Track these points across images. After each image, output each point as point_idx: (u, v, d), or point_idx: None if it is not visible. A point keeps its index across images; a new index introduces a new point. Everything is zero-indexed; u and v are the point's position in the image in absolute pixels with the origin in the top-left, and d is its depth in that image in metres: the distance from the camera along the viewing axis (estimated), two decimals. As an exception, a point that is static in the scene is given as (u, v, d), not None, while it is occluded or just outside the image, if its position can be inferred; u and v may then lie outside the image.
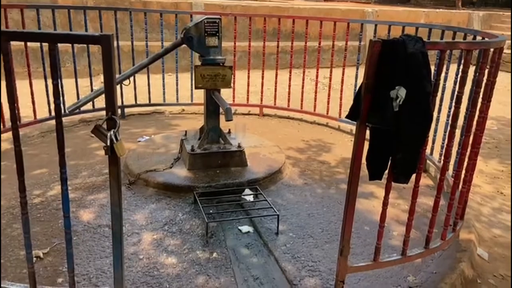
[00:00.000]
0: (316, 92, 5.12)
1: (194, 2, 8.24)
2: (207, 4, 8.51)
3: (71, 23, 4.62)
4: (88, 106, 4.19)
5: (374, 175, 2.10)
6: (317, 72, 5.06)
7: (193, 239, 2.71)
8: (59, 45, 1.77)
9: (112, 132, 1.73)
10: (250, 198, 3.12)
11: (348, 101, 4.80)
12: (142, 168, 3.35)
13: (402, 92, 1.87)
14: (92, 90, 4.86)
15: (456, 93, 2.26)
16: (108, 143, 1.72)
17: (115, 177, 1.84)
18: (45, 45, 3.93)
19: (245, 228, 2.84)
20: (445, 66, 3.27)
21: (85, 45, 5.06)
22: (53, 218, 2.90)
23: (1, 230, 2.75)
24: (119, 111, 5.18)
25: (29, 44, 4.30)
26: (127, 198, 3.13)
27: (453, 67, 3.61)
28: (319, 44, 4.97)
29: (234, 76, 5.10)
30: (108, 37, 1.62)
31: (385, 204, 2.19)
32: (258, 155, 3.67)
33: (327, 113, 5.07)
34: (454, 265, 2.60)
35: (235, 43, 5.16)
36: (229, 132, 3.71)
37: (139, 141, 4.20)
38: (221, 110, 3.21)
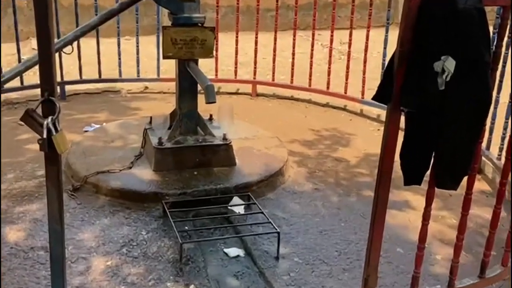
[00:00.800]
0: (330, 63, 5.10)
1: None
2: None
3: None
4: (15, 82, 4.15)
5: (411, 179, 2.10)
6: (332, 36, 5.04)
7: (161, 266, 2.69)
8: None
9: (49, 120, 1.70)
10: (240, 209, 3.11)
11: (374, 76, 4.85)
12: (90, 169, 3.32)
13: (450, 64, 1.86)
14: (19, 60, 4.83)
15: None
16: (45, 135, 1.69)
17: (55, 182, 1.81)
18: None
19: (233, 251, 2.83)
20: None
21: None
22: None
23: None
24: (58, 89, 5.12)
25: None
26: (70, 210, 3.11)
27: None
28: None
29: (217, 41, 5.06)
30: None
31: (426, 218, 2.18)
32: (251, 150, 3.66)
33: (345, 92, 5.06)
34: (519, 300, 2.62)
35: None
36: (211, 118, 3.68)
37: (86, 131, 4.17)
38: (199, 88, 3.18)
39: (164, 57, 3.25)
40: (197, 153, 3.36)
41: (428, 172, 2.10)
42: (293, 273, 2.71)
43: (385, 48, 4.76)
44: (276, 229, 2.81)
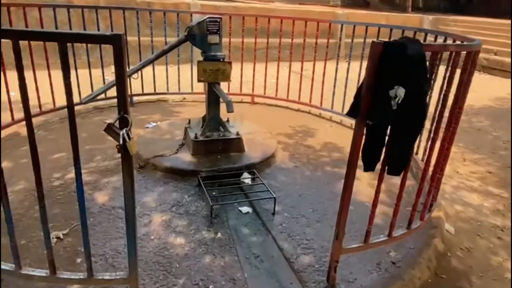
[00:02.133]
0: (300, 83, 4.83)
1: (192, 3, 7.76)
2: (203, 5, 8.03)
3: (85, 21, 4.21)
4: (101, 95, 3.84)
5: (369, 167, 1.87)
6: (302, 65, 4.77)
7: (198, 220, 2.46)
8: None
9: (124, 131, 1.44)
10: (249, 181, 2.87)
11: (328, 91, 4.64)
12: (150, 153, 3.06)
13: (401, 91, 1.62)
14: (104, 80, 4.49)
15: (443, 91, 2.02)
16: (121, 142, 1.43)
17: (129, 174, 1.56)
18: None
19: (245, 209, 2.60)
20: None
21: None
22: (72, 200, 2.60)
23: (24, 212, 2.46)
24: (128, 99, 4.81)
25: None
26: (137, 181, 2.85)
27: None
28: (304, 41, 4.65)
29: (241, 68, 4.81)
30: (119, 37, 1.32)
31: (377, 192, 1.96)
32: (253, 141, 3.40)
33: (310, 102, 4.81)
34: (428, 241, 2.43)
35: (230, 40, 4.80)
36: (228, 120, 3.42)
37: (147, 127, 3.89)
38: (221, 101, 2.91)
39: (199, 81, 2.98)
40: (220, 144, 3.10)
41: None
42: (284, 224, 2.49)
43: (336, 73, 4.48)
44: (273, 195, 2.58)
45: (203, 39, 2.85)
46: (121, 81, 1.39)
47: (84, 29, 4.27)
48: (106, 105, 4.60)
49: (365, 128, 1.77)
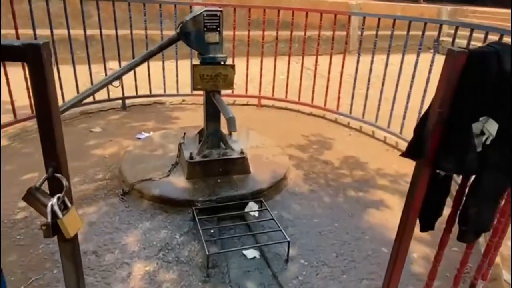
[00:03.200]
0: (314, 84, 4.24)
1: (194, -7, 7.12)
2: (206, -4, 7.38)
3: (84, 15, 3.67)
4: (89, 98, 3.27)
5: (427, 226, 1.30)
6: (316, 63, 4.17)
7: (191, 272, 1.91)
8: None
9: (55, 200, 0.87)
10: (255, 213, 2.32)
11: (346, 93, 4.04)
12: (137, 176, 2.51)
13: (491, 126, 1.04)
14: (106, 74, 3.95)
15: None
16: (49, 219, 0.87)
17: (70, 258, 1.00)
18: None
19: (251, 253, 2.05)
20: None
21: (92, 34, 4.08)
22: (34, 241, 2.07)
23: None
24: (120, 101, 4.28)
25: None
26: (119, 213, 2.31)
27: None
28: (319, 35, 4.05)
29: (248, 62, 4.21)
30: (37, 49, 0.75)
31: (437, 260, 1.39)
32: (261, 158, 2.84)
33: (325, 105, 4.21)
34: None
35: (234, 33, 4.21)
36: (230, 133, 2.85)
37: (138, 138, 3.34)
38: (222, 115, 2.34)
39: (195, 89, 2.41)
40: (220, 165, 2.54)
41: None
42: (301, 276, 1.93)
43: (356, 74, 3.87)
44: (287, 238, 2.01)
45: (199, 38, 2.27)
46: (46, 115, 0.83)
47: (84, 22, 3.68)
48: (95, 109, 4.06)
49: (430, 176, 1.20)
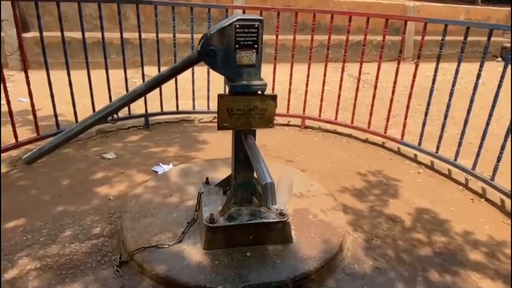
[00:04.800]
0: (372, 105, 3.43)
1: (234, -6, 6.46)
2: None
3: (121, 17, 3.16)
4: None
5: None
6: (376, 80, 3.35)
7: None
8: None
9: None
10: (298, 315, 1.58)
11: (415, 119, 3.20)
12: (140, 237, 1.87)
13: None
14: (143, 79, 3.44)
15: None
16: None
17: None
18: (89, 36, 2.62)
19: None
20: None
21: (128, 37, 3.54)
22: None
23: None
24: (142, 119, 3.70)
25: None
26: (109, 297, 1.66)
27: None
28: (384, 39, 3.24)
29: (274, 72, 3.53)
30: None
31: None
32: (307, 216, 2.10)
33: (385, 132, 3.39)
34: None
35: (277, 38, 3.50)
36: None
37: (155, 171, 2.73)
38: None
39: (220, 128, 1.71)
40: (251, 231, 1.83)
41: None
42: None
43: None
44: None
45: (228, 58, 1.58)
46: None
47: (120, 24, 3.17)
48: (115, 127, 3.50)
49: None
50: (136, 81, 4.46)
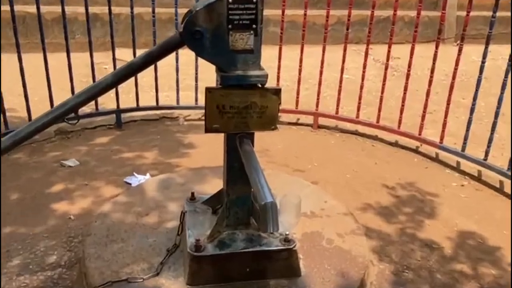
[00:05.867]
0: (404, 99, 3.42)
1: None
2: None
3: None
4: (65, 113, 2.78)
5: None
6: (409, 67, 3.34)
7: None
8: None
9: None
10: None
11: (451, 112, 3.20)
12: (107, 269, 1.86)
13: None
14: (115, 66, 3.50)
15: None
16: None
17: None
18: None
19: None
20: None
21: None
22: None
23: None
24: (113, 116, 3.70)
25: None
26: None
27: None
28: (418, 16, 3.23)
29: (280, 56, 3.50)
30: None
31: None
32: (320, 242, 2.08)
33: (420, 134, 3.38)
34: None
35: (283, 13, 3.51)
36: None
37: (127, 183, 2.73)
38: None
39: (207, 131, 1.69)
40: (248, 261, 1.81)
41: None
42: None
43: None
44: None
45: (219, 42, 1.56)
46: None
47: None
48: (79, 126, 3.49)
49: None
50: (106, 68, 4.49)
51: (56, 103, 3.15)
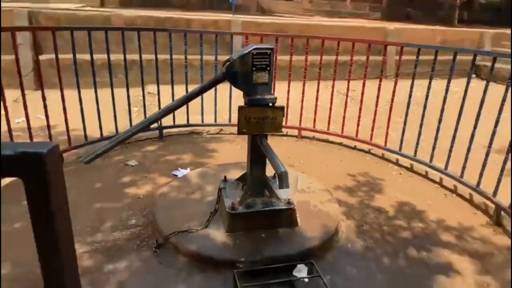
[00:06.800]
0: (359, 116, 3.85)
1: (233, 20, 6.97)
2: (244, 22, 7.22)
3: (125, 42, 3.48)
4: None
5: None
6: (362, 96, 3.78)
7: None
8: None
9: None
10: (305, 279, 1.94)
11: (392, 125, 3.66)
12: (172, 225, 2.22)
13: None
14: (144, 100, 3.83)
15: None
16: None
17: None
18: (98, 58, 2.82)
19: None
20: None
21: (134, 57, 3.83)
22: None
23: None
24: (157, 132, 4.06)
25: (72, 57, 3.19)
26: (152, 271, 2.00)
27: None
28: (367, 60, 3.69)
29: (274, 86, 3.83)
30: (39, 161, 0.44)
31: None
32: (308, 206, 2.48)
33: (371, 140, 3.81)
34: None
35: (276, 60, 3.90)
36: (275, 177, 2.52)
37: (175, 175, 3.08)
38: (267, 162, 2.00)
39: (239, 133, 2.10)
40: (265, 217, 2.20)
41: None
42: None
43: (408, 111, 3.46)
44: (348, 323, 1.63)
45: (247, 78, 1.98)
46: (51, 256, 0.53)
47: (124, 49, 3.50)
48: (132, 139, 3.83)
49: None
50: (137, 96, 4.71)
51: (104, 124, 3.50)
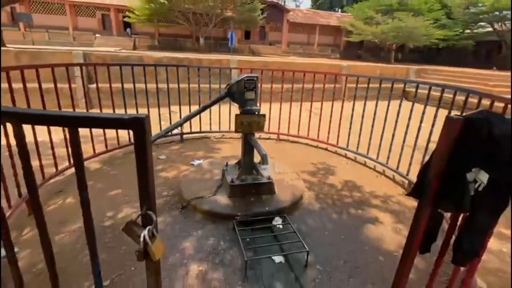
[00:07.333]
0: (319, 124, 4.17)
1: (231, 59, 7.33)
2: (239, 61, 7.58)
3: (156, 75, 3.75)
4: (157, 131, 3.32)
5: (425, 249, 1.18)
6: (321, 105, 4.10)
7: (233, 273, 1.82)
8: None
9: (146, 232, 0.83)
10: (280, 226, 2.22)
11: (345, 132, 4.01)
12: (192, 194, 2.48)
13: (483, 176, 0.95)
14: (170, 116, 4.05)
15: None
16: (141, 246, 0.82)
17: (154, 279, 0.94)
18: (138, 86, 2.99)
19: (278, 259, 1.94)
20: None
21: (162, 86, 4.11)
22: (119, 243, 2.04)
23: (73, 257, 1.91)
24: (179, 136, 4.33)
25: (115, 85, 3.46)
26: (179, 223, 2.26)
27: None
28: (324, 87, 4.02)
29: (260, 105, 4.17)
30: (141, 121, 0.73)
31: (432, 279, 1.26)
32: (282, 182, 2.76)
33: (328, 140, 4.13)
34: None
35: (260, 87, 4.22)
36: (260, 162, 2.80)
37: (192, 164, 3.34)
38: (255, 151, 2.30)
39: (236, 132, 2.38)
40: (253, 187, 2.48)
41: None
42: (317, 279, 1.81)
43: (352, 116, 3.78)
44: (306, 249, 1.91)
45: (241, 95, 2.28)
46: (144, 173, 0.81)
47: (156, 79, 3.78)
48: (161, 141, 4.11)
49: (431, 212, 1.10)
50: (164, 114, 4.99)
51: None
